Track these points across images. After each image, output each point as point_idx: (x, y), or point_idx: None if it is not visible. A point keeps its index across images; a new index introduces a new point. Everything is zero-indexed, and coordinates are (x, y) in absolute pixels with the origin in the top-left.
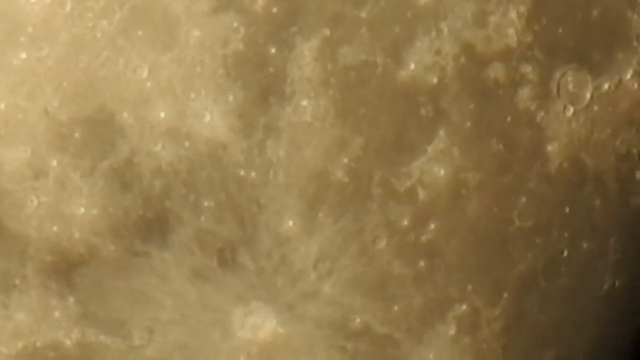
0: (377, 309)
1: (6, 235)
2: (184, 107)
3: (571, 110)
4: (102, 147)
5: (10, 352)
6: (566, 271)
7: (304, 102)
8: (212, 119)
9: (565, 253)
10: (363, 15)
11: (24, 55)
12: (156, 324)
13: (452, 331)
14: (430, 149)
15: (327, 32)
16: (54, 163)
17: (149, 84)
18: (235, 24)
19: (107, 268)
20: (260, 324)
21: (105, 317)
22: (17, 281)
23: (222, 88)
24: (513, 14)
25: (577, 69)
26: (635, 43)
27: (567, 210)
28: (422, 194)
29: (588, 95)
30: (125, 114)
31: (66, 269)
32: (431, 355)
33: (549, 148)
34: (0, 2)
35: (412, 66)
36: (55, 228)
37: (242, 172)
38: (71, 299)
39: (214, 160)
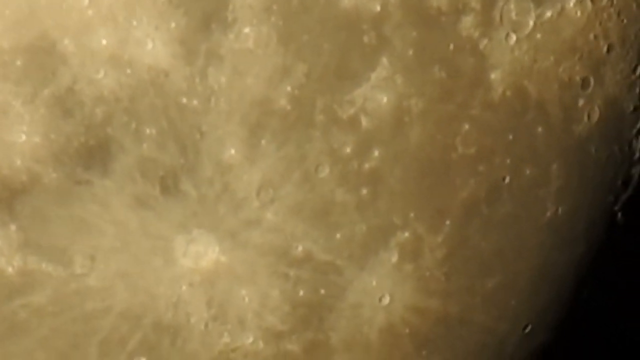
0: (319, 236)
1: None
2: (126, 35)
3: (514, 38)
4: (43, 74)
5: None
6: (509, 198)
7: (246, 29)
8: (154, 46)
9: (508, 180)
10: None
11: None
12: (98, 252)
13: (394, 258)
14: (373, 76)
15: None
16: None
17: (90, 11)
18: None
19: (48, 196)
20: (202, 251)
21: (47, 245)
22: None
23: (164, 15)
24: None
25: None
26: None
27: (510, 137)
28: (365, 122)
29: (531, 23)
30: (67, 42)
31: (8, 197)
32: (374, 282)
33: (492, 76)
34: None
35: None
36: None
37: (184, 100)
38: (13, 227)
39: (156, 88)
